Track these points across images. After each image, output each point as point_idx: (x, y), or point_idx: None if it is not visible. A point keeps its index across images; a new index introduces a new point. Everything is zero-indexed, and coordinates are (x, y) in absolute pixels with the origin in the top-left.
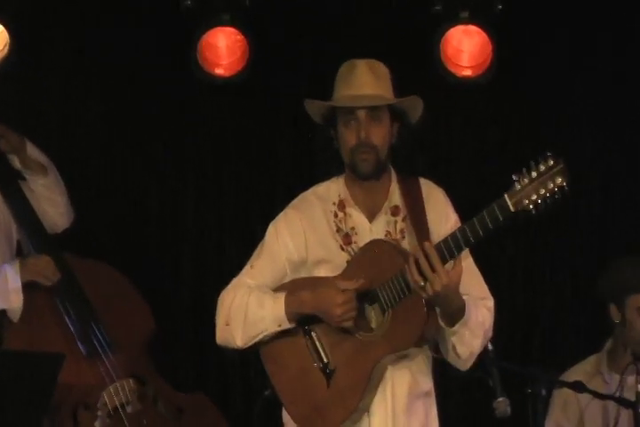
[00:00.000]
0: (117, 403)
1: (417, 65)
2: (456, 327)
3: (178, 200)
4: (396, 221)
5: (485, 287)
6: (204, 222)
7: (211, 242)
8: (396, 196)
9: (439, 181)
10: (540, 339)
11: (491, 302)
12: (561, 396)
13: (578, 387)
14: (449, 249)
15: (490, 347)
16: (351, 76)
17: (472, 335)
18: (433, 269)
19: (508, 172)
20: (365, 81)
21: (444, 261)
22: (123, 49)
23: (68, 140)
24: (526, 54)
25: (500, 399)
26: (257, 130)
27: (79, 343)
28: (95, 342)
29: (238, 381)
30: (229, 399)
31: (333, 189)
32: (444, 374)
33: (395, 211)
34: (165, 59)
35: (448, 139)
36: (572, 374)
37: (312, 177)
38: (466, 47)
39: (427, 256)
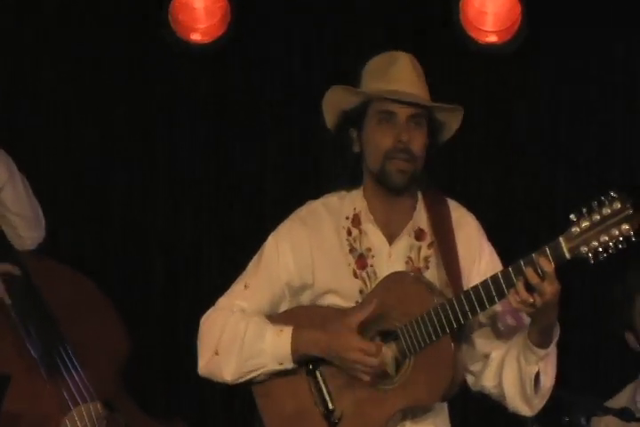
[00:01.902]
0: None
1: (432, 29)
2: (550, 349)
3: (146, 193)
4: (420, 247)
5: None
6: (177, 221)
7: (184, 244)
8: (422, 217)
9: (453, 183)
10: (577, 362)
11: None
12: (603, 425)
13: (626, 415)
14: (488, 294)
15: None
16: (393, 70)
17: (554, 362)
18: (542, 278)
19: (539, 162)
20: (410, 77)
21: (481, 308)
22: (81, 9)
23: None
24: (561, 18)
25: None
26: (240, 108)
27: (38, 361)
28: (58, 362)
29: (220, 407)
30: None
31: (347, 201)
32: (463, 402)
33: (420, 234)
34: (131, 21)
35: (466, 119)
36: (611, 405)
37: (304, 164)
38: (490, 9)
39: (533, 265)
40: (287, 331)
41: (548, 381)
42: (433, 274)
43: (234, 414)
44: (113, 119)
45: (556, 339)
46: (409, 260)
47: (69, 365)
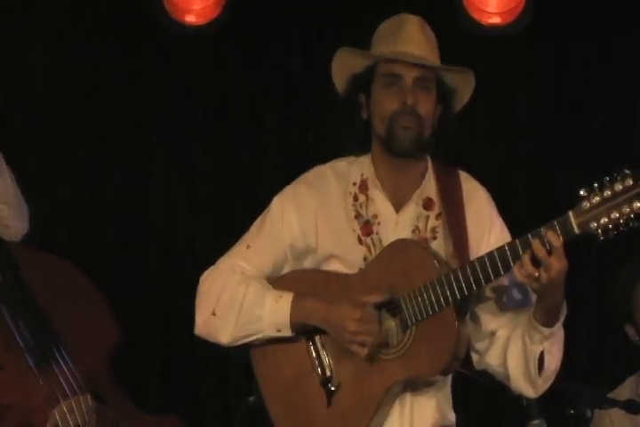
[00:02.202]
0: (71, 423)
1: (432, 11)
2: (555, 328)
3: (141, 180)
4: (427, 217)
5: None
6: (173, 207)
7: (181, 240)
8: (431, 186)
9: (460, 159)
10: (582, 353)
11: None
12: (607, 417)
13: (633, 407)
14: (493, 266)
15: None
16: (401, 32)
17: (560, 344)
18: (549, 252)
19: (544, 148)
20: (418, 39)
21: (486, 280)
22: None
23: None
24: None
25: (536, 422)
26: (236, 92)
27: (26, 353)
28: (48, 354)
29: (215, 401)
30: (205, 424)
31: (356, 166)
32: (468, 392)
33: (428, 204)
34: (123, 2)
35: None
36: (613, 397)
37: (304, 150)
38: None
39: (540, 238)
40: (287, 298)
41: (552, 362)
42: (440, 245)
43: (229, 412)
44: (105, 106)
45: (562, 318)
46: (416, 229)
47: (59, 358)
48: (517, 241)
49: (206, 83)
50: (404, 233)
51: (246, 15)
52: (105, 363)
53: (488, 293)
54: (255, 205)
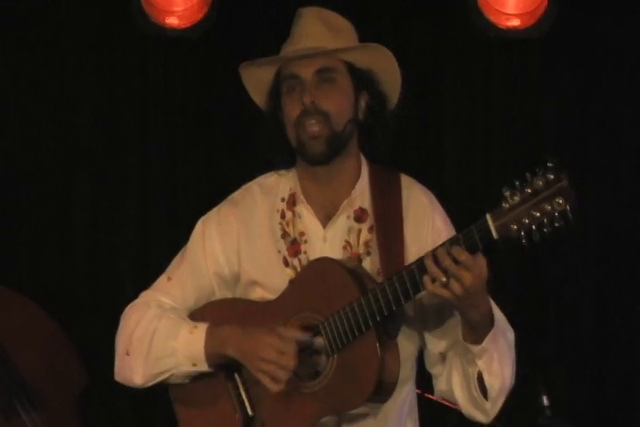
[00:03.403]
0: None
1: (446, 13)
2: (485, 344)
3: (114, 201)
4: (359, 230)
5: (504, 317)
6: (149, 226)
7: (156, 250)
8: (363, 196)
9: (472, 175)
10: (612, 396)
11: (511, 334)
12: None
13: None
14: (411, 281)
15: (545, 402)
16: (295, 29)
17: (502, 360)
18: (456, 261)
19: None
20: (310, 31)
21: (405, 297)
22: None
23: None
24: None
25: None
26: (223, 102)
27: None
28: (15, 403)
29: None
30: None
31: (285, 180)
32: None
33: (360, 215)
34: (100, 4)
35: (486, 114)
36: None
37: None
38: None
39: (445, 246)
40: (202, 328)
41: (495, 381)
42: (374, 261)
43: None
44: (75, 117)
45: (494, 330)
46: (347, 244)
47: (27, 405)
48: (424, 255)
49: (189, 93)
50: (334, 250)
51: (234, 17)
52: (72, 408)
53: (427, 310)
54: None
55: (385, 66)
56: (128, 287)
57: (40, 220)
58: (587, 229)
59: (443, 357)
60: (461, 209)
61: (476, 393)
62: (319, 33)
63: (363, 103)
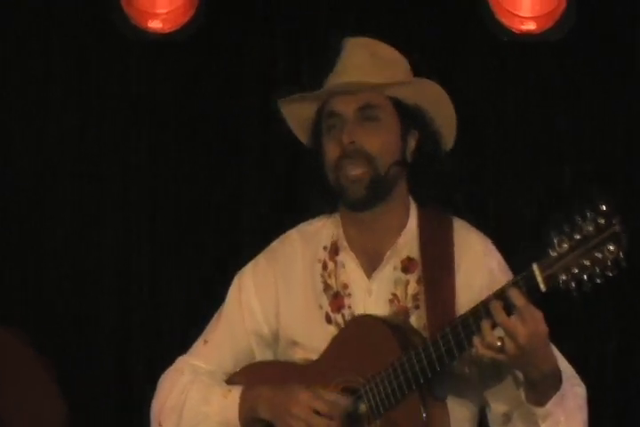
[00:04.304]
0: None
1: (456, 16)
2: (550, 406)
3: (90, 218)
4: (407, 282)
5: (573, 370)
6: (131, 253)
7: (138, 282)
8: (411, 244)
9: (482, 183)
10: None
11: (582, 390)
12: None
13: None
14: (456, 339)
15: None
16: (338, 62)
17: (571, 421)
18: (508, 313)
19: (589, 179)
20: (354, 63)
21: (449, 356)
22: None
23: None
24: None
25: None
26: (210, 111)
27: None
28: None
29: None
30: None
31: (327, 227)
32: None
33: (408, 265)
34: (78, 6)
35: (500, 127)
36: None
37: (292, 179)
38: None
39: (500, 299)
40: (236, 391)
41: None
42: (421, 316)
43: None
44: (51, 127)
45: (557, 394)
46: (394, 298)
47: None
48: (472, 309)
49: (174, 101)
50: (379, 304)
51: (222, 21)
52: None
53: (484, 366)
54: (234, 252)
55: (435, 102)
56: (108, 307)
57: (11, 232)
58: None
59: (507, 418)
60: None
61: None
62: (364, 65)
63: (412, 143)
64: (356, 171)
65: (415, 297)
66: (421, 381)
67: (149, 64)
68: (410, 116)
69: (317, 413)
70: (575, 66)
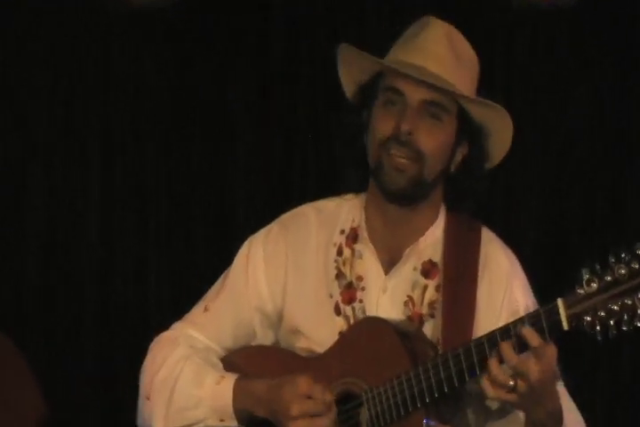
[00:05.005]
0: None
1: None
2: None
3: (72, 199)
4: (426, 287)
5: (580, 416)
6: (115, 240)
7: (124, 282)
8: (435, 246)
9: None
10: None
11: None
12: None
13: None
14: (468, 362)
15: None
16: (417, 38)
17: None
18: (519, 351)
19: (603, 162)
20: (437, 51)
21: (460, 380)
22: None
23: None
24: None
25: None
26: (201, 90)
27: None
28: None
29: None
30: None
31: (348, 209)
32: None
33: (429, 270)
34: None
35: (508, 98)
36: None
37: (290, 164)
38: None
39: (510, 335)
40: (229, 379)
41: None
42: (438, 326)
43: None
44: (29, 106)
45: None
46: (409, 300)
47: None
48: (485, 338)
49: (160, 79)
50: (394, 304)
51: None
52: None
53: (484, 397)
54: (227, 241)
55: (499, 128)
56: (90, 300)
57: None
58: None
59: None
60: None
61: None
62: (445, 59)
63: (459, 156)
64: (403, 162)
65: (432, 305)
66: (427, 400)
67: (132, 35)
68: (469, 130)
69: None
70: (587, 34)
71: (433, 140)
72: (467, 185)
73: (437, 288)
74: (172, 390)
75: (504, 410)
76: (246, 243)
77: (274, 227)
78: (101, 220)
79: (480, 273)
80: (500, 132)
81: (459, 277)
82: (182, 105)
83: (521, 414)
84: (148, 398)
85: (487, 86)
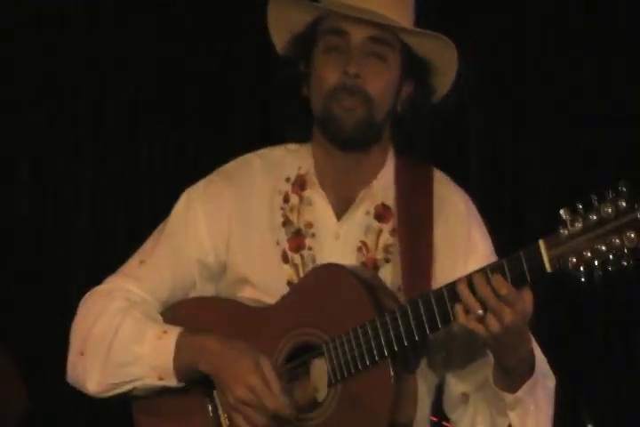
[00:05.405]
0: None
1: None
2: (521, 393)
3: (62, 185)
4: (380, 231)
5: (545, 359)
6: (102, 228)
7: (113, 245)
8: (388, 190)
9: (499, 154)
10: None
11: (552, 383)
12: None
13: None
14: (441, 308)
15: None
16: None
17: (539, 415)
18: (497, 293)
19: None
20: None
21: (431, 327)
22: None
23: None
24: None
25: None
26: (191, 71)
27: None
28: None
29: None
30: None
31: (294, 157)
32: None
33: (382, 214)
34: None
35: (517, 85)
36: None
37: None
38: None
39: (485, 273)
40: (172, 333)
41: None
42: (393, 272)
43: None
44: (16, 87)
45: (531, 380)
46: (363, 246)
47: None
48: (458, 279)
49: (146, 59)
50: (346, 250)
51: None
52: None
53: (454, 340)
54: None
55: (445, 60)
56: (79, 289)
57: None
58: None
59: (466, 398)
60: (486, 196)
61: None
62: None
63: (404, 94)
64: (352, 102)
65: (387, 249)
66: (395, 349)
67: (116, 13)
68: (413, 67)
69: (263, 404)
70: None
71: (380, 81)
72: (414, 124)
73: (392, 232)
74: (109, 344)
75: (471, 354)
76: (184, 195)
77: (214, 178)
78: (92, 208)
79: (435, 215)
80: (444, 64)
81: (414, 220)
82: (177, 79)
83: (489, 360)
84: (82, 354)
85: None
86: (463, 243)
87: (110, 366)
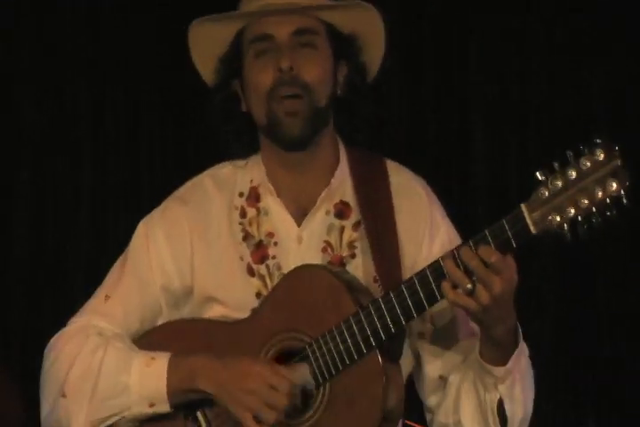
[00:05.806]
0: None
1: None
2: (510, 365)
3: (62, 194)
4: (342, 228)
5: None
6: (104, 228)
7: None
8: (344, 186)
9: (503, 160)
10: None
11: (527, 351)
12: None
13: None
14: (426, 289)
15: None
16: None
17: (524, 384)
18: (485, 263)
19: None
20: None
21: (417, 309)
22: None
23: None
24: None
25: None
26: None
27: None
28: None
29: None
30: None
31: (243, 172)
32: None
33: (342, 211)
34: None
35: (519, 85)
36: None
37: None
38: None
39: (469, 245)
40: (162, 359)
41: (518, 409)
42: (361, 265)
43: None
44: (16, 95)
45: (520, 348)
46: (327, 246)
47: None
48: (441, 256)
49: (146, 59)
50: (311, 253)
51: None
52: None
53: (427, 324)
54: None
55: (371, 31)
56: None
57: None
58: None
59: (444, 381)
60: (491, 205)
61: (495, 426)
62: None
63: (340, 76)
64: (294, 103)
65: (351, 245)
66: (383, 338)
67: (117, 15)
68: (342, 46)
69: (274, 388)
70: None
71: (315, 68)
72: (356, 107)
73: (355, 227)
74: (94, 382)
75: (445, 333)
76: (141, 225)
77: (169, 204)
78: (92, 211)
79: (396, 204)
80: (372, 35)
81: (375, 211)
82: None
83: (463, 341)
84: (64, 396)
85: None
86: (427, 226)
87: (97, 402)
